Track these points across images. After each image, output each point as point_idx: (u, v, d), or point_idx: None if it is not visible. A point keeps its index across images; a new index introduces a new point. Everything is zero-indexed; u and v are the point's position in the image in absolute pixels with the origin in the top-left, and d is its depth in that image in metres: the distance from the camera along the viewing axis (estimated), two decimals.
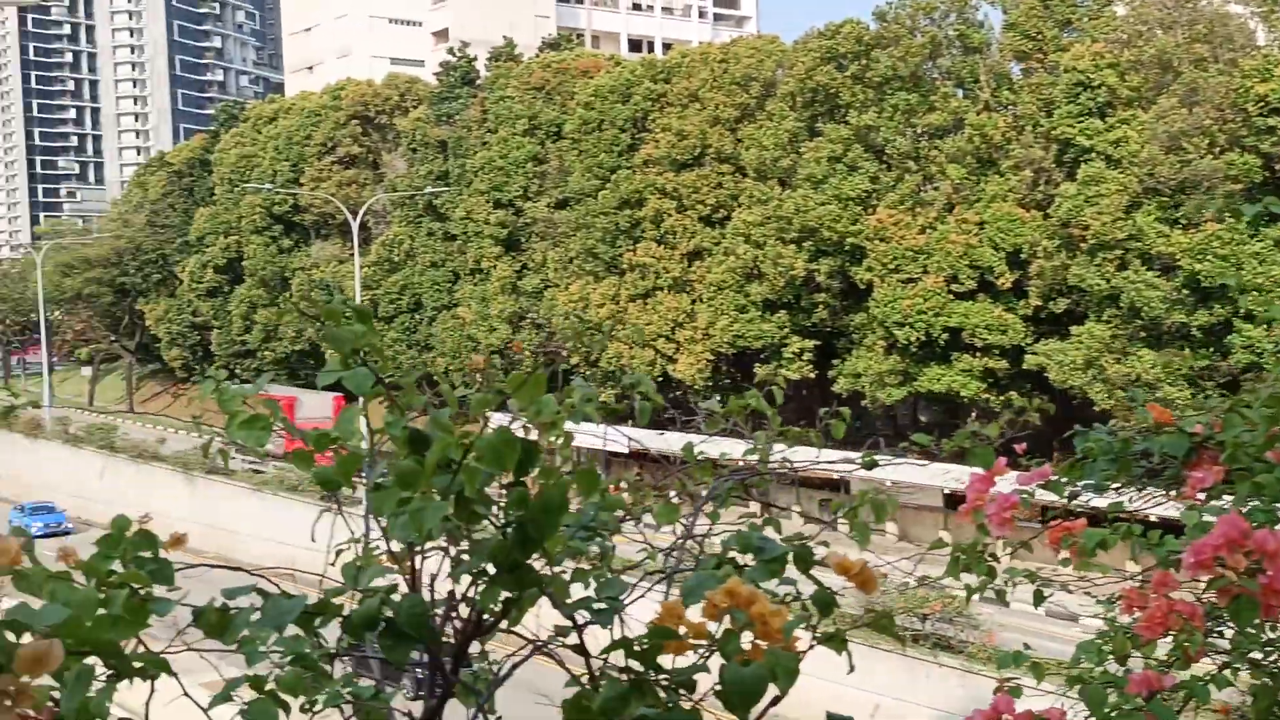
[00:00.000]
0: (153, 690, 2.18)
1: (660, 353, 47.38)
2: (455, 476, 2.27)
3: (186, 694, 2.40)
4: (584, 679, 2.52)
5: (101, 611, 2.01)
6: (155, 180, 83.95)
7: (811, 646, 2.57)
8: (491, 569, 2.30)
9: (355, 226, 49.61)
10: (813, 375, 45.34)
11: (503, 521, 2.31)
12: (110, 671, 2.02)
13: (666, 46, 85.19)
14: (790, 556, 2.69)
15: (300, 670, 2.39)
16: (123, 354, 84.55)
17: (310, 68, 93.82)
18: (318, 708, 2.44)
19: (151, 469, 54.65)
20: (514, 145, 56.04)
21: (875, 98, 44.10)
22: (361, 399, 2.59)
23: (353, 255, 55.75)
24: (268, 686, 2.31)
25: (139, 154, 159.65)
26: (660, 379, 43.82)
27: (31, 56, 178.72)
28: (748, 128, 48.29)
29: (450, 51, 67.45)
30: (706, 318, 46.90)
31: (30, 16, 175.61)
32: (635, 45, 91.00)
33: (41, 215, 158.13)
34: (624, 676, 2.07)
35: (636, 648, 2.09)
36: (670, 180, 48.89)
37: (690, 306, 48.35)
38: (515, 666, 2.71)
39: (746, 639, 2.17)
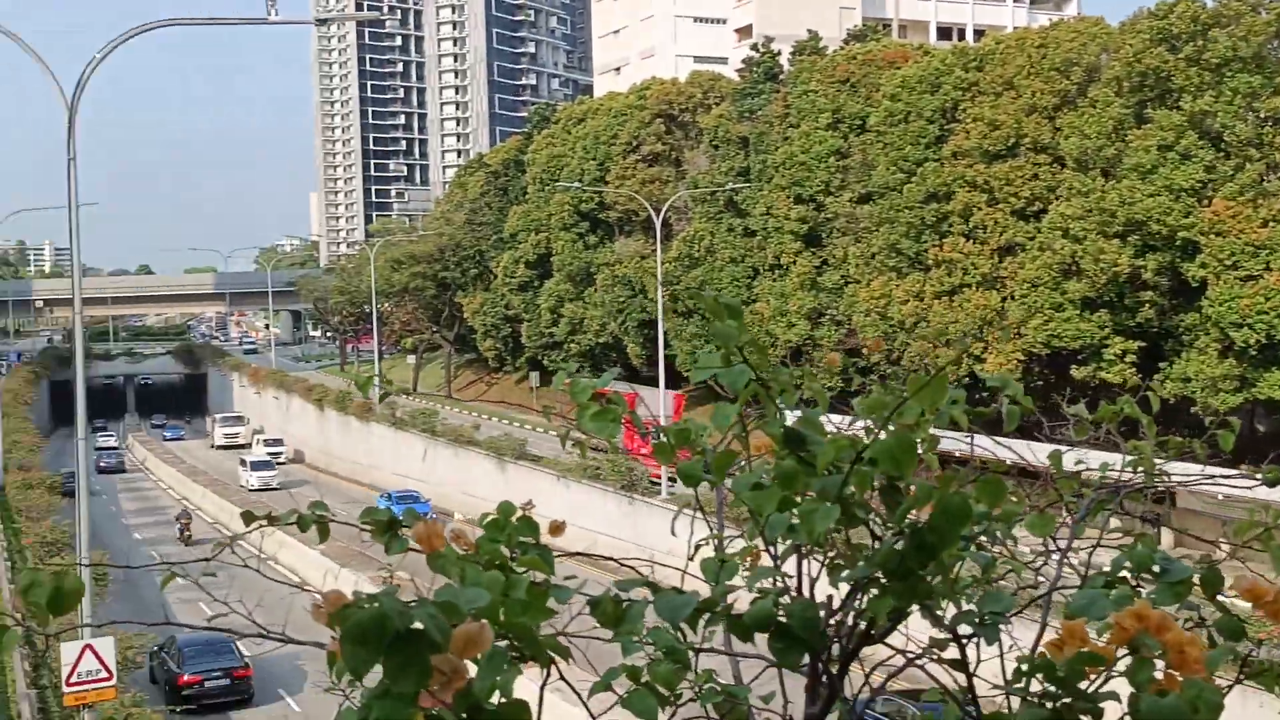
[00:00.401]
0: (546, 676, 2.23)
1: (968, 352, 45.83)
2: (845, 479, 2.21)
3: (564, 679, 2.42)
4: (960, 695, 2.40)
5: (510, 596, 2.06)
6: (474, 180, 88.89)
7: (1234, 684, 2.34)
8: (882, 577, 2.22)
9: (658, 223, 50.68)
10: (1136, 378, 42.65)
11: (894, 528, 2.22)
12: (514, 654, 2.07)
13: (979, 33, 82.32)
14: (1195, 578, 2.47)
15: (672, 663, 2.38)
16: (443, 344, 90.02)
17: (617, 69, 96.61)
18: (681, 701, 2.43)
19: (468, 453, 57.75)
20: (816, 140, 55.64)
21: (1212, 80, 40.91)
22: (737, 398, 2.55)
23: (654, 251, 57.01)
24: (643, 678, 2.32)
25: (459, 156, 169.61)
26: (966, 379, 42.42)
27: (368, 68, 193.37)
28: (1067, 116, 45.90)
29: (754, 48, 67.73)
30: (1018, 315, 44.96)
31: (367, 31, 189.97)
32: (945, 33, 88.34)
33: (374, 214, 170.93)
34: (1044, 703, 1.94)
35: (1060, 671, 1.95)
36: (981, 172, 47.18)
37: (1000, 304, 46.51)
38: (890, 678, 2.62)
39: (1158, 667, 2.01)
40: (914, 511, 2.21)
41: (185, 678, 27.34)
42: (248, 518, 2.87)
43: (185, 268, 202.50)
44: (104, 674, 18.87)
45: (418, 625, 1.75)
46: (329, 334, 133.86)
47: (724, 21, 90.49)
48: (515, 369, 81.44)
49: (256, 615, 2.92)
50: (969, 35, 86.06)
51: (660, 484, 44.17)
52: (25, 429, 64.03)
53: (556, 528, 2.76)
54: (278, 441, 77.49)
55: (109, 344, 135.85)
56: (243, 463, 66.56)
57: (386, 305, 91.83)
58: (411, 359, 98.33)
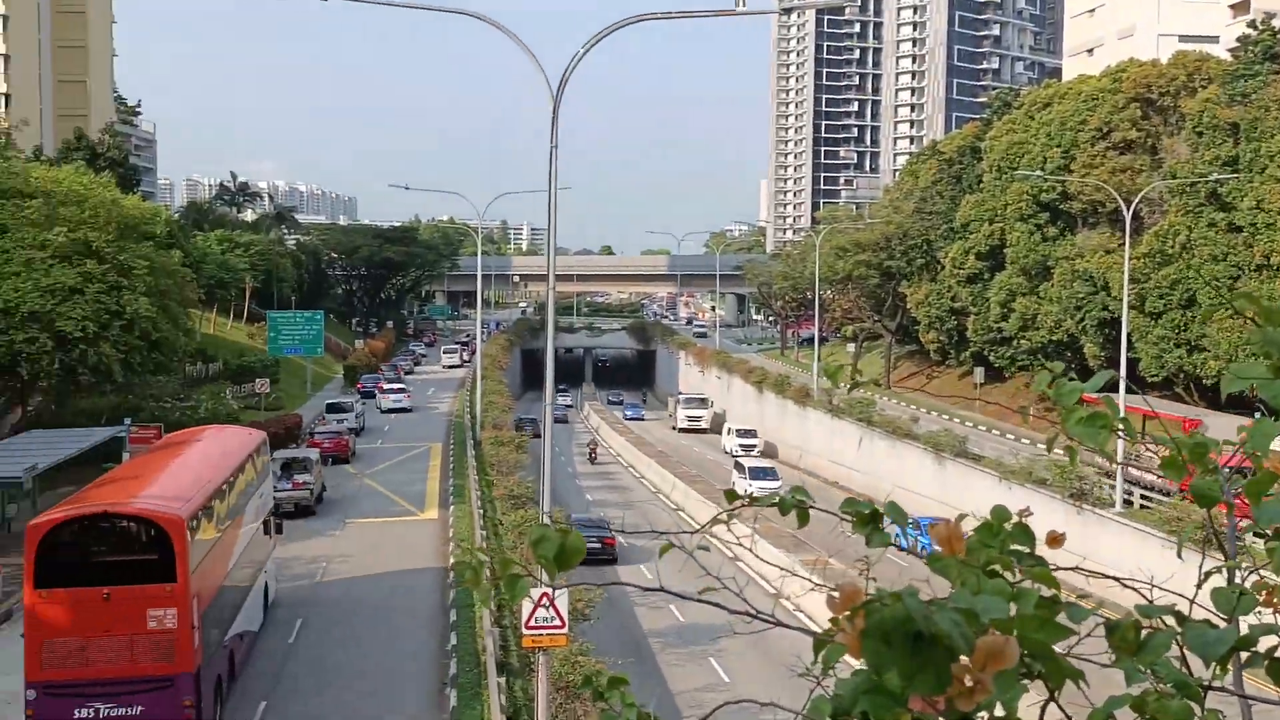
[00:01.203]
0: (1050, 699, 2.05)
1: None
2: None
3: (1056, 702, 2.21)
4: None
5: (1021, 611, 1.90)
6: (926, 168, 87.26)
7: None
8: None
9: (1127, 216, 47.24)
10: None
11: None
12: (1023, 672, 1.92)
13: None
14: None
15: (1183, 700, 2.12)
16: (884, 333, 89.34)
17: (1090, 50, 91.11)
18: None
19: (904, 445, 56.95)
20: None
21: None
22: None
23: (1121, 246, 53.27)
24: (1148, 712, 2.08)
25: (912, 143, 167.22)
26: None
27: (824, 55, 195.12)
28: None
29: (1250, 25, 61.41)
30: None
31: (826, 18, 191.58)
32: None
33: (822, 201, 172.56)
34: None
35: None
36: None
37: None
38: None
39: None
40: None
41: None
42: (730, 495, 2.87)
43: (642, 249, 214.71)
44: (557, 621, 20.37)
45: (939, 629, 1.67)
46: (771, 318, 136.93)
47: None
48: (959, 363, 79.28)
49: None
50: None
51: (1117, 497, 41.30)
52: (500, 390, 70.59)
53: (1055, 539, 2.55)
54: (750, 433, 72.36)
55: (572, 318, 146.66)
56: (739, 467, 58.86)
57: (829, 292, 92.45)
58: (851, 347, 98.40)
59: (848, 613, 1.77)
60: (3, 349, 44.88)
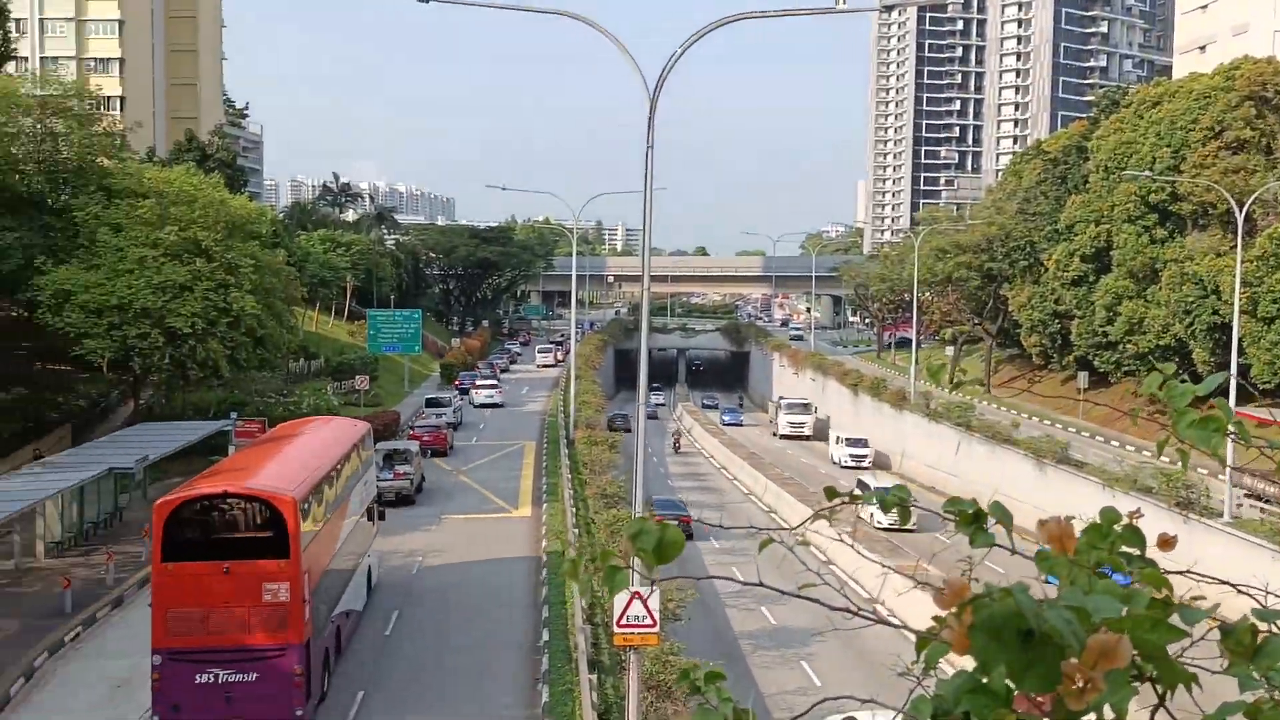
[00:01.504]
0: (1161, 703, 1.99)
1: None
2: None
3: (1165, 708, 2.14)
4: None
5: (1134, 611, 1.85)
6: (1030, 168, 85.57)
7: None
8: None
9: (1239, 217, 45.80)
10: None
11: None
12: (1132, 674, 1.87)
13: None
14: None
15: None
16: (984, 337, 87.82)
17: (1202, 47, 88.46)
18: None
19: (1003, 451, 55.90)
20: None
21: None
22: None
23: (1233, 248, 51.65)
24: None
25: (1015, 143, 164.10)
26: None
27: (925, 53, 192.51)
28: None
29: None
30: None
31: (928, 15, 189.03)
32: None
33: (921, 202, 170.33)
34: None
35: None
36: None
37: None
38: None
39: None
40: None
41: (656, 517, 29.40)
42: (830, 493, 2.85)
43: (736, 250, 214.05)
44: (649, 620, 20.40)
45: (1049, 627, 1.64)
46: (867, 320, 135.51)
47: None
48: (1062, 368, 77.55)
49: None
50: None
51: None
52: (593, 390, 70.95)
53: (1166, 541, 2.48)
54: (862, 442, 67.96)
55: (666, 319, 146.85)
56: (863, 487, 48.88)
57: (927, 294, 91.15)
58: (949, 350, 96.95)
59: (955, 609, 1.74)
60: (117, 344, 46.41)
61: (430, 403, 68.15)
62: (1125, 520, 2.22)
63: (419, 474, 48.25)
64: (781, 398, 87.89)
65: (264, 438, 34.49)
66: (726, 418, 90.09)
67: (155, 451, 42.39)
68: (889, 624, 2.34)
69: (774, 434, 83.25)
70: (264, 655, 22.51)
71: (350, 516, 29.48)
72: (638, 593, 20.70)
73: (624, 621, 20.55)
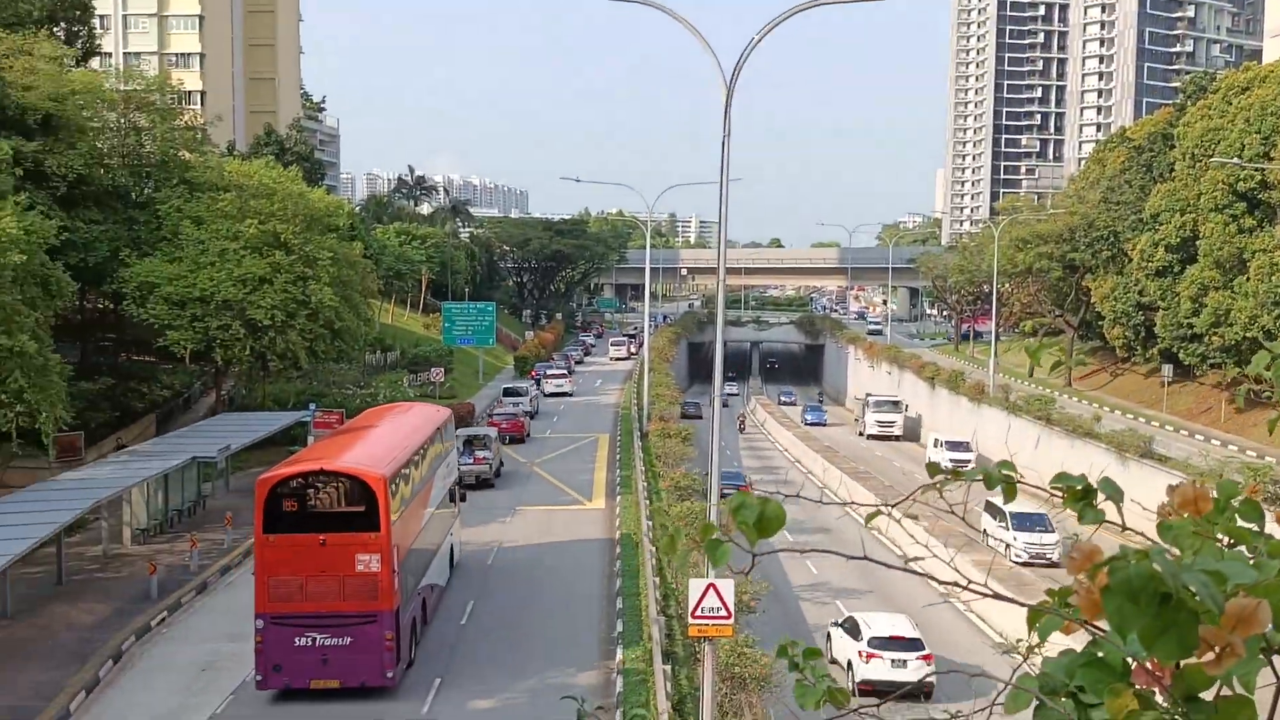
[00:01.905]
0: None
1: None
2: None
3: None
4: None
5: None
6: (1113, 156, 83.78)
7: None
8: None
9: None
10: None
11: None
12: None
13: None
14: None
15: None
16: (1065, 329, 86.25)
17: None
18: None
19: (1085, 444, 54.88)
20: None
21: None
22: None
23: None
24: None
25: (1098, 130, 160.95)
26: None
27: (1006, 39, 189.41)
28: None
29: None
30: None
31: (1009, 1, 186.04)
32: None
33: (1001, 191, 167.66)
34: None
35: None
36: None
37: None
38: None
39: None
40: None
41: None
42: (932, 469, 2.72)
43: (811, 242, 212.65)
44: (724, 612, 20.27)
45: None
46: (945, 312, 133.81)
47: None
48: (1145, 360, 75.89)
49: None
50: None
51: None
52: (667, 384, 70.89)
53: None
54: (964, 445, 62.97)
55: (739, 311, 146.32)
56: (995, 512, 43.57)
57: (1007, 286, 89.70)
58: (1029, 343, 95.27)
59: (1086, 572, 1.62)
60: (199, 335, 47.33)
61: (508, 392, 69.84)
62: (1244, 494, 2.11)
63: (498, 459, 50.06)
64: (869, 394, 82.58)
65: (354, 422, 36.40)
66: (809, 416, 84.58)
67: (237, 441, 43.18)
68: (1002, 597, 2.21)
69: (860, 433, 78.52)
70: (357, 621, 24.24)
71: (434, 496, 31.17)
72: (713, 584, 20.58)
73: (699, 613, 20.45)
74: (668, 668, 24.33)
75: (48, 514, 30.69)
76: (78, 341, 53.50)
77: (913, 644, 28.25)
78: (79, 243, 45.21)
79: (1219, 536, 1.84)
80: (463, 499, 37.00)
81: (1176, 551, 1.88)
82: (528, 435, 60.76)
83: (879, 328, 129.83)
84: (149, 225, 49.08)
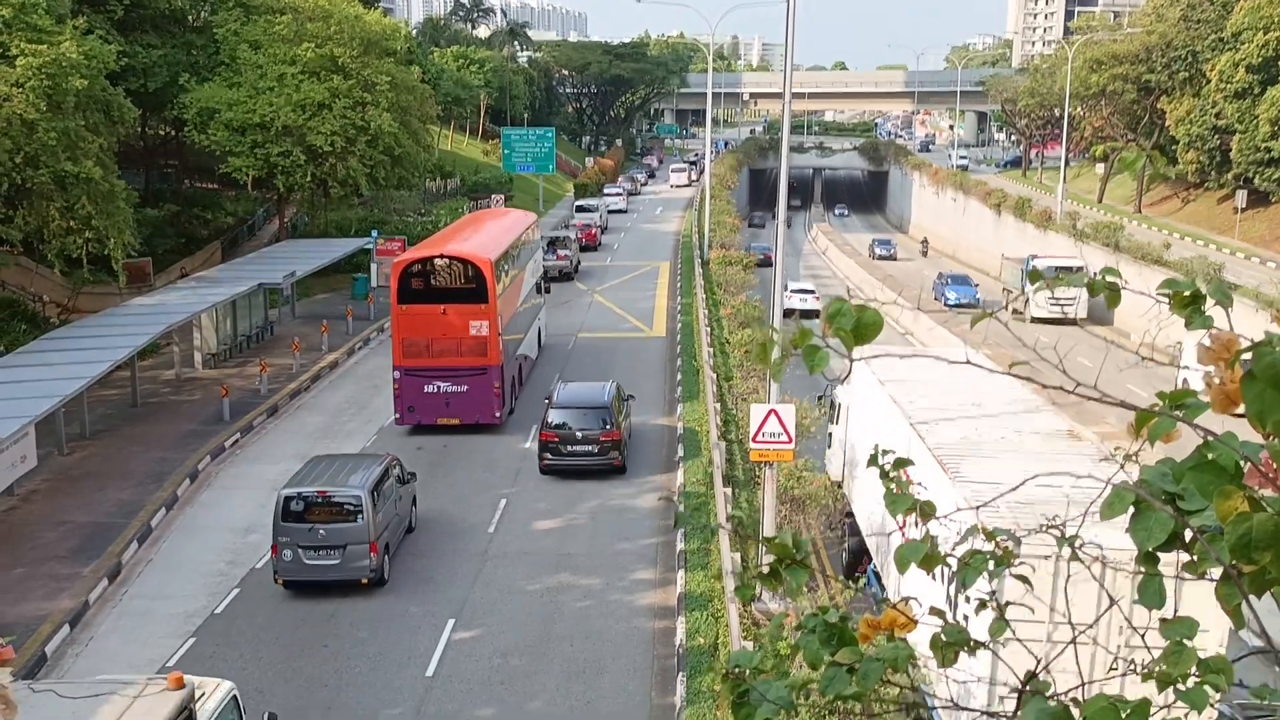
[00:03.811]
0: None
1: None
2: None
3: None
4: None
5: None
6: None
7: None
8: None
9: None
10: None
11: None
12: None
13: None
14: None
15: None
16: (1138, 153, 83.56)
17: None
18: None
19: (1153, 273, 53.90)
20: None
21: None
22: None
23: None
24: None
25: None
26: None
27: None
28: None
29: None
30: None
31: None
32: None
33: (1077, 10, 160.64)
34: None
35: None
36: None
37: None
38: None
39: None
40: None
41: None
42: (1034, 275, 2.65)
43: (877, 64, 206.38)
44: (784, 437, 20.50)
45: None
46: (1014, 137, 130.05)
47: None
48: (1219, 186, 73.69)
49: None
50: None
51: None
52: (728, 210, 70.21)
53: None
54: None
55: (802, 137, 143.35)
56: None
57: (1079, 109, 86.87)
58: (1100, 168, 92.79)
59: (1225, 360, 1.58)
60: (260, 161, 47.41)
61: (580, 209, 75.32)
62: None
63: (576, 257, 58.70)
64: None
65: (461, 221, 43.06)
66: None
67: (301, 268, 43.67)
68: (1108, 401, 2.17)
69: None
70: (471, 373, 30.60)
71: (526, 282, 37.37)
72: (774, 409, 20.75)
73: (760, 438, 20.69)
74: (728, 490, 24.79)
75: (121, 339, 31.48)
76: (141, 169, 53.86)
77: None
78: (138, 68, 45.04)
79: None
80: (547, 291, 43.98)
81: None
82: (599, 244, 68.48)
83: (965, 162, 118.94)
84: (207, 50, 48.66)
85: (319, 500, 21.45)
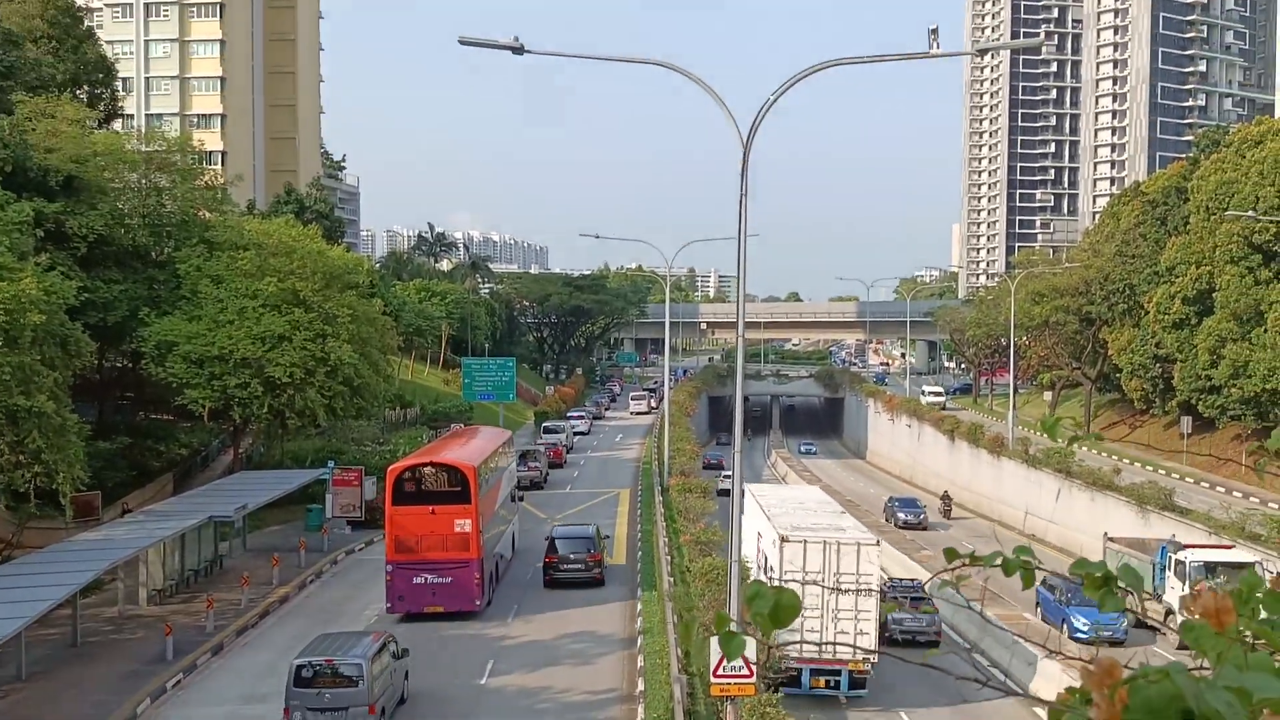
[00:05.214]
0: None
1: None
2: None
3: None
4: None
5: None
6: (1128, 210, 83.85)
7: None
8: None
9: None
10: None
11: None
12: None
13: None
14: None
15: None
16: (1083, 381, 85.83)
17: None
18: None
19: (1105, 497, 54.40)
20: None
21: None
22: None
23: None
24: None
25: (1112, 185, 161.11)
26: None
27: (1019, 95, 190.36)
28: None
29: None
30: None
31: (1021, 58, 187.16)
32: None
33: (1017, 245, 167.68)
34: None
35: None
36: None
37: None
38: None
39: None
40: None
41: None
42: (950, 554, 2.69)
43: (830, 295, 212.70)
44: (746, 671, 20.04)
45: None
46: (963, 365, 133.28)
47: None
48: (1164, 412, 75.41)
49: None
50: None
51: None
52: (687, 437, 70.61)
53: None
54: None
55: (759, 365, 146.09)
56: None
57: (1024, 338, 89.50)
58: (1048, 395, 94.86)
59: (1106, 689, 1.57)
60: (217, 393, 47.45)
61: (546, 430, 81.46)
62: (1268, 585, 2.05)
63: (545, 469, 66.73)
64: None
65: (446, 436, 50.67)
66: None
67: (254, 500, 43.13)
68: (1016, 693, 2.15)
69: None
70: (455, 565, 34.73)
71: (503, 488, 42.19)
72: None
73: (720, 672, 20.22)
74: None
75: (64, 575, 30.63)
76: (96, 400, 53.67)
77: None
78: (98, 302, 45.52)
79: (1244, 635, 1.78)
80: (521, 499, 49.12)
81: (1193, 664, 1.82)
82: (565, 462, 74.92)
83: (942, 400, 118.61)
84: (168, 284, 49.40)
85: (326, 669, 24.78)
